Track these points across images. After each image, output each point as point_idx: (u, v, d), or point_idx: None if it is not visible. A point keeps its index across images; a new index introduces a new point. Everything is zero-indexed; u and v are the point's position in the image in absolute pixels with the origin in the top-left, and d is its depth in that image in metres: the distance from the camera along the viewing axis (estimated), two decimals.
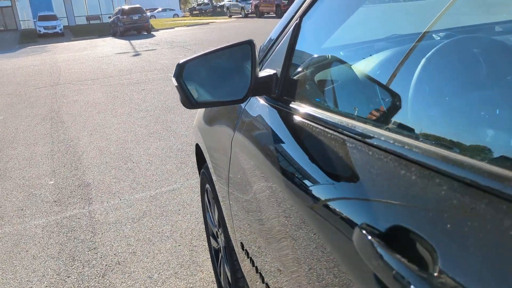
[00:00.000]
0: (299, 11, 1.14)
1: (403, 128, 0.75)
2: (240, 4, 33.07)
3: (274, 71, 1.16)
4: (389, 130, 0.73)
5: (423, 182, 0.57)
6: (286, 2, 25.15)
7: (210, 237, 2.11)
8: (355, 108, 0.96)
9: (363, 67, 1.11)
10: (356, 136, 0.76)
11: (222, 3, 55.10)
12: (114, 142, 4.79)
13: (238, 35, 16.45)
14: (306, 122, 0.95)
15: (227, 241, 1.65)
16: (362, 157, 0.73)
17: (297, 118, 1.00)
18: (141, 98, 7.09)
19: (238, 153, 1.26)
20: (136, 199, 3.29)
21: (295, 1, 1.21)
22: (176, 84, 1.06)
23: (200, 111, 1.90)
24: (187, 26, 27.01)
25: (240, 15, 32.94)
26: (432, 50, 0.90)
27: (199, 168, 2.13)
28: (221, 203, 1.56)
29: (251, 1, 31.02)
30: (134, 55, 13.57)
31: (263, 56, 1.28)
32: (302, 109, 1.01)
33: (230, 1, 38.29)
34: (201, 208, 2.31)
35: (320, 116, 0.91)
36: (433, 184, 0.56)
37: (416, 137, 0.68)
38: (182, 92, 1.06)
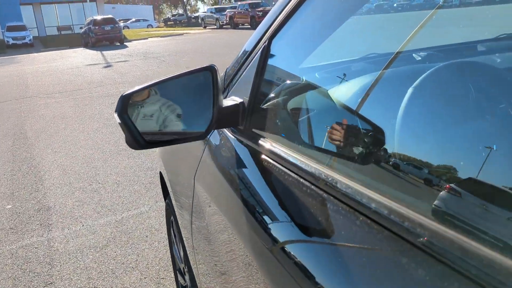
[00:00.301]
0: (268, 33, 0.99)
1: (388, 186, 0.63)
2: (214, 15, 33.09)
3: (241, 100, 1.00)
4: (374, 189, 0.60)
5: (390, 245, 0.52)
6: (260, 14, 25.28)
7: (177, 272, 1.92)
8: (332, 147, 0.82)
9: (341, 93, 0.97)
10: (335, 194, 0.64)
11: (197, 14, 55.20)
12: (79, 161, 4.53)
13: (213, 46, 16.32)
14: (278, 167, 0.80)
15: (192, 283, 1.47)
16: (345, 223, 0.59)
17: (267, 159, 0.85)
18: (110, 112, 6.82)
19: (202, 193, 1.09)
20: (100, 224, 3.06)
21: (262, 22, 1.06)
22: (119, 121, 0.88)
23: None
24: (161, 37, 26.75)
25: (215, 26, 32.92)
26: (421, 78, 0.78)
27: (165, 197, 1.95)
28: (185, 244, 1.38)
29: (225, 13, 31.09)
30: (106, 67, 13.24)
31: (229, 81, 1.13)
32: (273, 147, 0.85)
33: (205, 12, 38.32)
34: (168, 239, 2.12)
35: (293, 161, 0.76)
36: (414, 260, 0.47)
37: (401, 200, 0.56)
38: (127, 130, 0.89)
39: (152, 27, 44.45)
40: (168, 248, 2.66)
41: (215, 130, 1.10)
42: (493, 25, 1.30)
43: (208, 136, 1.02)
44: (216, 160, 1.06)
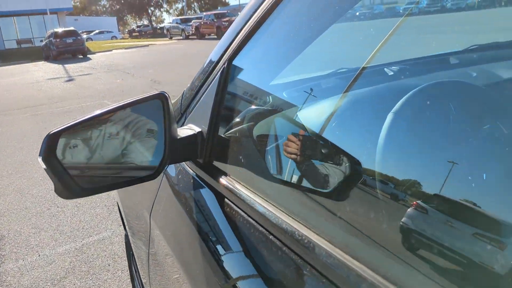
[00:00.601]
0: (227, 53, 0.87)
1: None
2: (180, 26, 32.89)
3: (199, 129, 0.88)
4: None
5: None
6: (226, 24, 25.31)
7: None
8: (304, 182, 0.71)
9: (311, 115, 0.87)
10: (308, 260, 0.55)
11: (162, 25, 54.76)
12: (37, 183, 4.27)
13: (179, 57, 16.11)
14: (241, 215, 0.68)
15: None
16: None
17: (229, 203, 0.73)
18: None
19: (157, 233, 0.96)
20: (59, 253, 2.84)
21: (219, 43, 0.95)
22: (44, 166, 0.74)
23: None
24: (126, 48, 26.29)
25: (181, 37, 32.69)
26: (400, 102, 0.70)
27: (125, 227, 1.79)
28: (143, 282, 1.24)
29: (191, 23, 30.95)
30: (68, 81, 12.81)
31: (186, 106, 1.00)
32: (236, 188, 0.74)
33: (170, 23, 38.06)
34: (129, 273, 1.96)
35: (259, 209, 0.64)
36: None
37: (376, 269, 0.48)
38: (56, 177, 0.74)
39: (117, 39, 43.72)
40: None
41: (167, 167, 0.98)
42: (466, 32, 1.25)
43: (163, 171, 0.88)
44: (173, 197, 0.93)
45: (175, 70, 12.47)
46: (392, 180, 0.59)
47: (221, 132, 0.87)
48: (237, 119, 0.89)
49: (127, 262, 2.63)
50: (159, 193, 0.99)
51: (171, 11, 71.49)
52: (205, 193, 0.82)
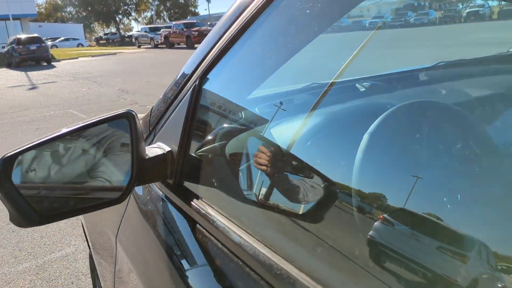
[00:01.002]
0: (199, 69, 0.84)
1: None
2: (149, 35, 32.56)
3: (169, 148, 0.84)
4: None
5: None
6: (196, 33, 25.25)
7: None
8: (279, 203, 0.69)
9: (282, 133, 0.84)
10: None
11: (130, 33, 54.08)
12: None
13: (148, 66, 15.90)
14: (214, 243, 0.65)
15: None
16: None
17: (200, 229, 0.70)
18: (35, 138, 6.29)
19: (124, 258, 0.91)
20: (18, 272, 2.70)
21: (191, 57, 0.91)
22: None
23: None
24: (93, 56, 25.75)
25: (150, 46, 32.36)
26: (376, 123, 0.69)
27: (88, 245, 1.71)
28: None
29: (160, 32, 30.70)
30: (31, 89, 12.39)
31: (155, 123, 0.96)
32: (207, 212, 0.70)
33: (139, 31, 37.62)
34: None
35: (232, 237, 0.61)
36: None
37: None
38: (10, 204, 0.69)
39: (83, 46, 42.80)
40: None
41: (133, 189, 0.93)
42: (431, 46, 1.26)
43: (129, 196, 0.83)
44: (141, 219, 0.88)
45: (144, 79, 12.28)
46: (369, 201, 0.58)
47: (193, 151, 0.84)
48: (209, 137, 0.86)
49: (91, 280, 2.53)
50: (126, 214, 0.94)
51: (139, 19, 70.77)
52: (176, 216, 0.78)
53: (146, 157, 0.81)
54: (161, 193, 0.87)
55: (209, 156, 0.83)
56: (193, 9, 70.99)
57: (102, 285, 1.21)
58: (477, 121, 0.81)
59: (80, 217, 1.48)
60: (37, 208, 0.73)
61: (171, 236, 0.77)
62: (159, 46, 30.93)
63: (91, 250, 1.29)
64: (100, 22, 66.17)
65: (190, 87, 0.85)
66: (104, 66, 18.00)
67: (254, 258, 0.56)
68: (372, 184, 0.61)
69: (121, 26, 67.53)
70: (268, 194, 0.72)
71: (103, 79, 13.21)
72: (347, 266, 0.53)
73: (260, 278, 0.55)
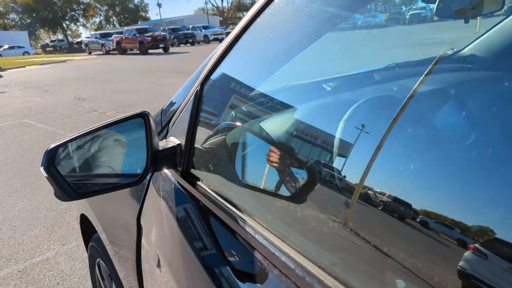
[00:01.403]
0: (201, 76, 1.05)
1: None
2: (100, 41, 31.79)
3: (179, 142, 1.04)
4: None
5: None
6: (149, 39, 24.95)
7: None
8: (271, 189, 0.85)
9: (272, 126, 1.05)
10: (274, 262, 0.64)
11: (79, 40, 52.41)
12: None
13: (102, 73, 15.65)
14: (214, 220, 0.84)
15: None
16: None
17: (203, 207, 0.89)
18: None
19: (147, 234, 1.09)
20: (1, 277, 2.75)
21: (198, 68, 1.12)
22: (46, 174, 0.88)
23: None
24: (41, 64, 24.88)
25: (101, 52, 31.63)
26: (350, 111, 0.86)
27: (86, 240, 1.85)
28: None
29: (112, 38, 30.06)
30: None
31: (167, 121, 1.16)
32: (210, 193, 0.89)
33: (89, 37, 36.61)
34: (91, 283, 2.00)
35: (229, 213, 0.80)
36: None
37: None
38: (55, 183, 0.89)
39: (29, 54, 41.11)
40: None
41: (152, 173, 1.12)
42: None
43: (149, 176, 1.03)
44: (159, 202, 1.07)
45: (99, 86, 12.13)
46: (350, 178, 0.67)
47: (199, 143, 1.04)
48: (211, 132, 1.06)
49: (77, 279, 2.64)
50: (146, 198, 1.13)
51: (88, 25, 68.75)
52: (185, 197, 0.97)
53: (160, 149, 1.01)
54: (173, 179, 1.06)
55: (211, 148, 1.03)
56: (143, 14, 69.85)
57: (120, 272, 1.37)
58: (424, 110, 1.04)
59: (88, 210, 1.62)
60: (74, 187, 0.92)
61: (181, 213, 0.96)
62: (110, 52, 30.31)
63: (104, 239, 1.45)
64: (46, 28, 63.69)
65: (195, 90, 1.05)
66: (55, 74, 17.50)
67: (245, 230, 0.72)
68: (352, 163, 0.78)
69: (69, 32, 65.31)
70: (258, 179, 0.89)
71: (56, 87, 12.90)
72: (332, 242, 0.62)
73: (250, 246, 0.69)
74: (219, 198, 0.87)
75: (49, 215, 3.66)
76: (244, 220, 0.76)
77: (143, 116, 0.98)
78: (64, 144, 0.94)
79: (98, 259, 1.68)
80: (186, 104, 1.10)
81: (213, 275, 0.76)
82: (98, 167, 1.01)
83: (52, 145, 0.91)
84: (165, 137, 1.14)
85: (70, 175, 0.95)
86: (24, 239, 3.26)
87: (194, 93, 1.06)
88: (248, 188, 0.89)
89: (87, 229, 1.78)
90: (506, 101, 1.63)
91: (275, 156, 0.89)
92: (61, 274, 2.73)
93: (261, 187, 0.86)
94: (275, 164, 0.86)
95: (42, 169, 0.90)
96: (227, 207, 0.83)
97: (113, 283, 1.53)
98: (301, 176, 0.77)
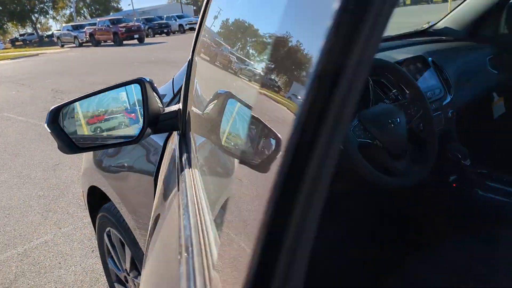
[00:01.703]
0: (193, 47, 1.16)
1: None
2: (72, 33, 31.12)
3: (180, 107, 1.15)
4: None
5: None
6: (124, 30, 24.59)
7: (115, 284, 1.95)
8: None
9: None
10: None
11: (49, 33, 51.14)
12: None
13: (77, 65, 15.43)
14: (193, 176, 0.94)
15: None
16: None
17: (195, 161, 1.00)
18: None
19: (159, 190, 1.21)
20: (1, 260, 2.83)
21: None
22: (49, 130, 1.00)
23: (91, 154, 1.77)
24: (12, 59, 24.28)
25: (74, 45, 31.00)
26: None
27: (92, 213, 1.96)
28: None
29: (84, 30, 29.48)
30: None
31: (178, 89, 1.27)
32: (199, 150, 0.99)
33: (60, 30, 35.78)
34: (99, 257, 2.11)
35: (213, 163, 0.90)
36: None
37: None
38: (58, 138, 1.00)
39: None
40: (89, 268, 2.60)
41: (173, 133, 1.23)
42: None
43: (141, 140, 1.11)
44: (169, 161, 1.19)
45: (76, 78, 11.99)
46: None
47: (198, 108, 1.14)
48: (203, 97, 1.17)
49: (78, 259, 2.75)
50: (162, 161, 1.25)
51: (58, 17, 67.04)
52: (183, 156, 1.09)
53: (162, 112, 1.11)
54: (176, 141, 1.18)
55: (201, 112, 1.14)
56: (115, 5, 68.49)
57: (131, 225, 1.49)
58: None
59: (102, 181, 1.72)
60: (76, 142, 1.04)
61: (181, 171, 1.06)
62: (84, 44, 29.76)
63: (119, 206, 1.56)
64: (14, 22, 61.79)
65: (188, 63, 1.17)
66: (28, 68, 17.17)
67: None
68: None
69: (38, 25, 63.58)
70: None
71: (31, 81, 12.69)
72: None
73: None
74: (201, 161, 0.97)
75: (42, 202, 3.72)
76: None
77: (139, 82, 1.08)
78: (67, 105, 1.05)
79: (108, 228, 1.79)
80: (185, 72, 1.22)
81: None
82: (96, 126, 1.12)
83: (55, 106, 1.03)
84: (177, 103, 1.26)
85: (72, 132, 1.06)
86: (20, 225, 3.33)
87: (188, 61, 1.17)
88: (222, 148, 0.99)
89: (93, 202, 1.89)
90: (476, 65, 1.85)
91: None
92: (61, 255, 2.82)
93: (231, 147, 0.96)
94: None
95: (45, 125, 1.02)
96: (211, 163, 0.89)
97: (126, 246, 1.65)
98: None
